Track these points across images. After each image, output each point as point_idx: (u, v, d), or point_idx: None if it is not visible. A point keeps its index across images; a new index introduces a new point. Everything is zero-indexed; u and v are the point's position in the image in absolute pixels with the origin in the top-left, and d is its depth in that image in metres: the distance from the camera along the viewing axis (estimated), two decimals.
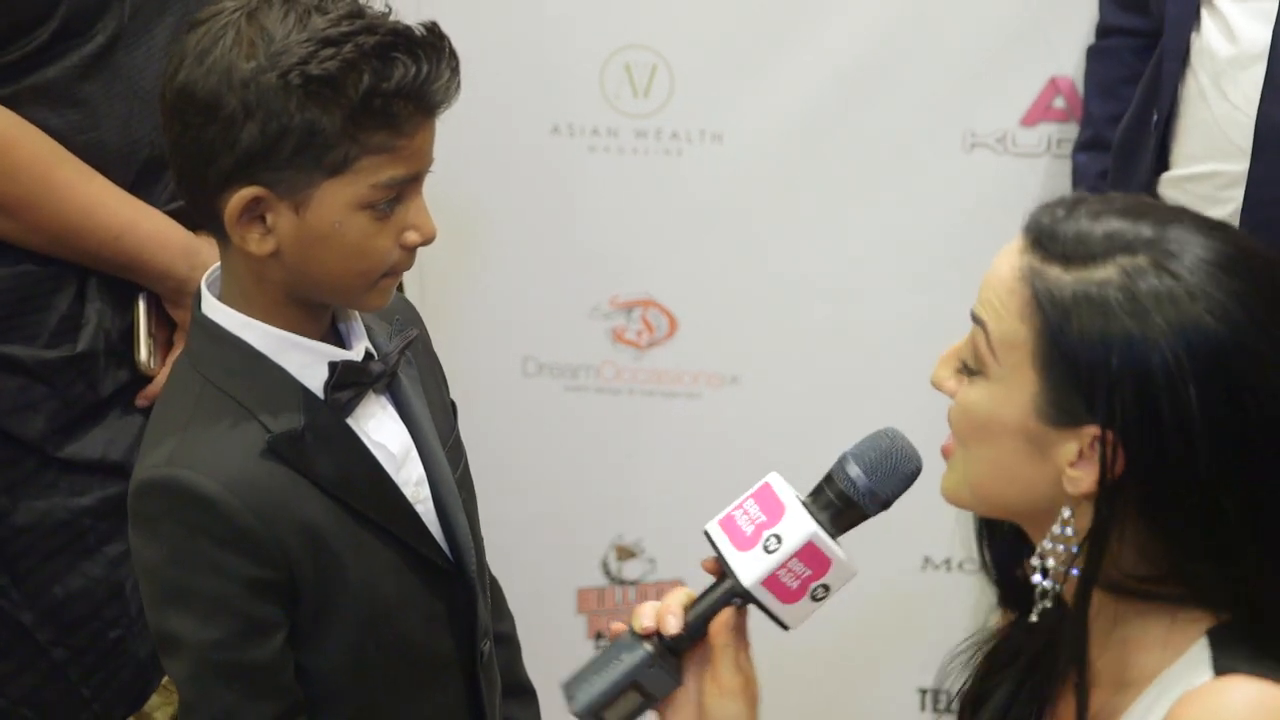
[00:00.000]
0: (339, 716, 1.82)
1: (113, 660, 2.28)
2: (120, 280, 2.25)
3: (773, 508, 1.64)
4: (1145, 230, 1.53)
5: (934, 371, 1.64)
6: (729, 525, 1.65)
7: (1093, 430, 1.51)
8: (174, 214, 2.25)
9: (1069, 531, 1.55)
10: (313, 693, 1.80)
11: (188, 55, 1.72)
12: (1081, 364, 1.51)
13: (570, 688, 1.67)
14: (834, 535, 1.63)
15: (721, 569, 1.65)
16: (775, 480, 1.66)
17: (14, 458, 2.22)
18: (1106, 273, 1.51)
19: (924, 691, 2.98)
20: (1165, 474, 1.50)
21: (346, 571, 1.78)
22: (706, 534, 1.66)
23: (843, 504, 1.64)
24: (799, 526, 1.62)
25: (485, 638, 1.92)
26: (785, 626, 1.64)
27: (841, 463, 1.65)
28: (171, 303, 2.27)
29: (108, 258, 2.22)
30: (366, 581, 1.80)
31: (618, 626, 1.69)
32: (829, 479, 1.65)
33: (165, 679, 2.30)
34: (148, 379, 2.28)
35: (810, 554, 1.62)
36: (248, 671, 1.75)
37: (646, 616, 1.66)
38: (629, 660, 1.66)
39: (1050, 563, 1.57)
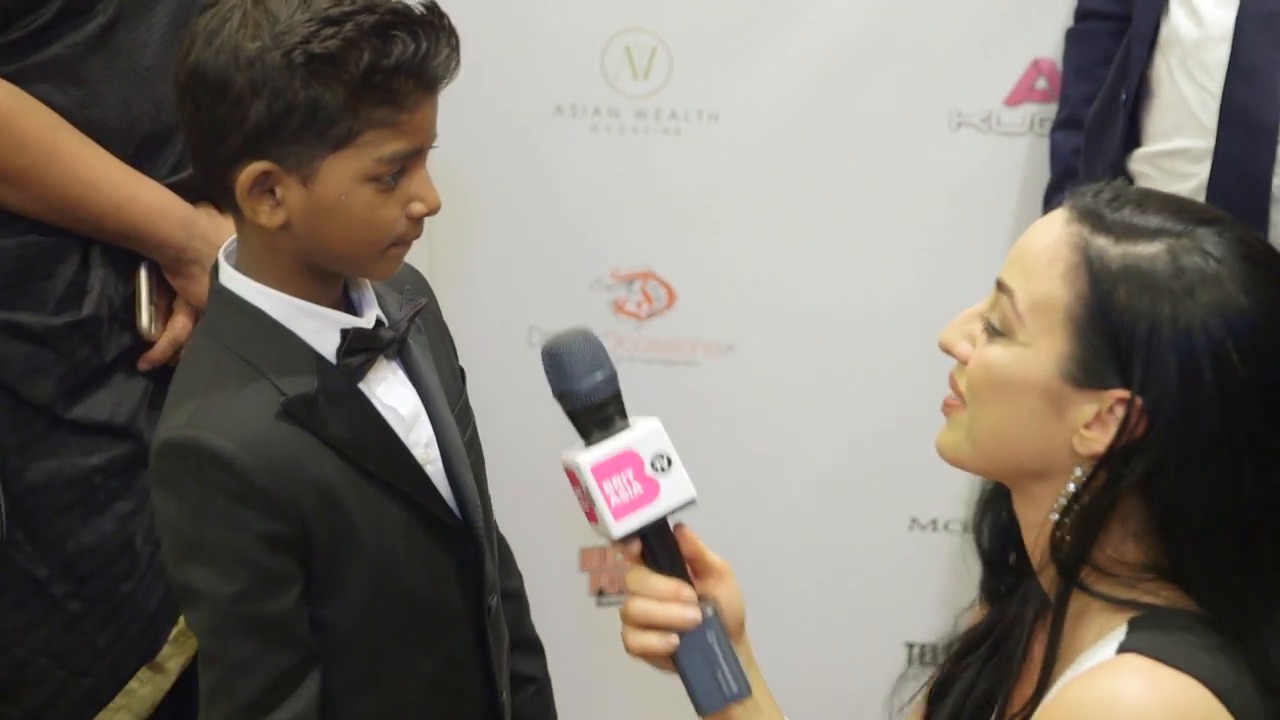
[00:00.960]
0: (352, 667, 1.81)
1: (125, 612, 2.28)
2: (122, 250, 2.26)
3: (619, 463, 1.62)
4: (1186, 223, 1.56)
5: (944, 333, 1.65)
6: (626, 509, 1.63)
7: (1118, 394, 1.53)
8: (175, 186, 2.26)
9: (1079, 490, 1.57)
10: (327, 644, 1.79)
11: (198, 37, 1.73)
12: (1123, 330, 1.53)
13: (711, 696, 1.64)
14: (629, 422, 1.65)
15: (651, 534, 1.64)
16: (575, 459, 1.63)
17: (25, 420, 2.23)
18: (1154, 249, 1.54)
19: (911, 645, 2.98)
20: (1193, 443, 1.52)
21: (358, 528, 1.78)
22: (625, 538, 1.64)
23: (611, 405, 1.64)
24: (652, 437, 1.63)
25: (492, 592, 1.92)
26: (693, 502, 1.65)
27: (569, 394, 1.64)
28: (170, 271, 2.28)
29: (109, 227, 2.23)
30: (377, 538, 1.80)
31: (651, 643, 1.65)
32: (587, 411, 1.64)
33: (176, 630, 2.29)
34: (149, 344, 2.29)
35: (656, 439, 1.63)
36: (264, 623, 1.74)
37: (686, 609, 1.64)
38: (715, 632, 1.65)
39: (1064, 518, 1.59)
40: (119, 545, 2.27)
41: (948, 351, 1.64)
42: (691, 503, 1.65)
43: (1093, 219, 1.56)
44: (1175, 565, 1.55)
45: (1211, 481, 1.53)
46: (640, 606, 1.65)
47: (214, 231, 2.24)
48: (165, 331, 2.29)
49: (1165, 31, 2.51)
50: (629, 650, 1.67)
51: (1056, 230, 1.57)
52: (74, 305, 2.23)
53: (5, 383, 2.21)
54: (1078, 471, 1.57)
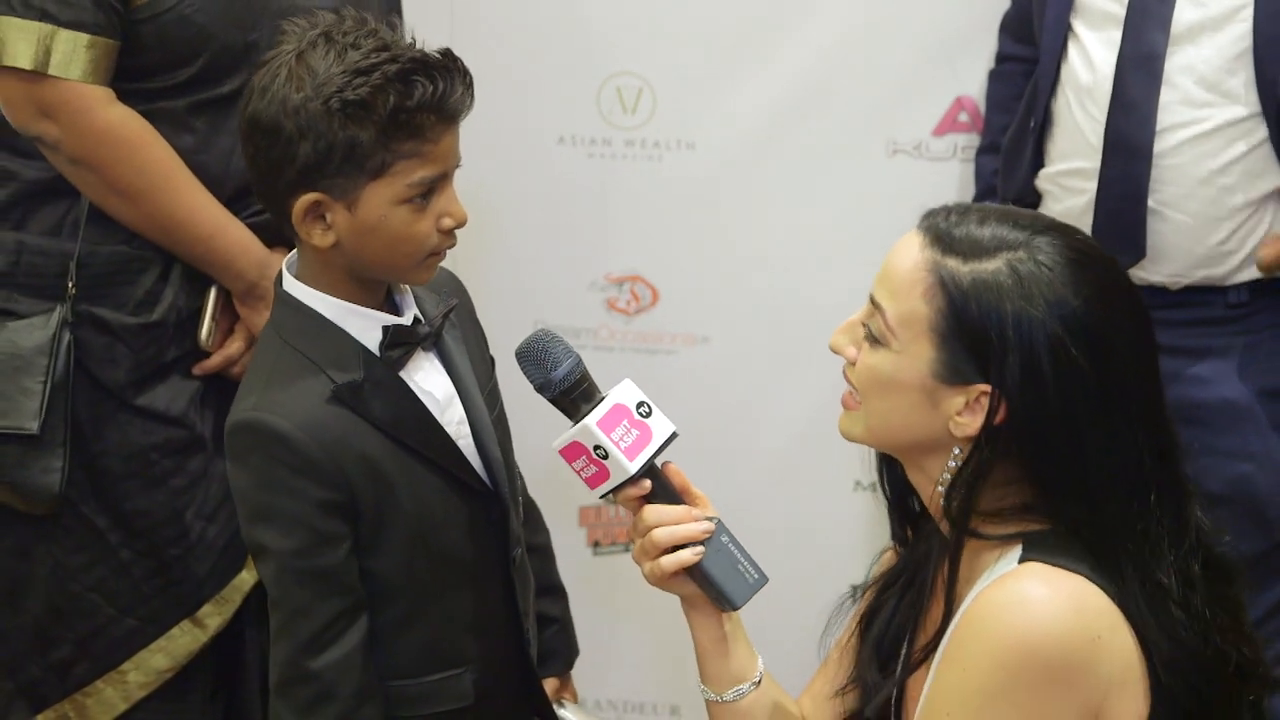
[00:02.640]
0: (398, 609, 1.82)
1: (172, 571, 2.29)
2: (197, 272, 2.26)
3: (615, 416, 1.67)
4: (1020, 234, 1.58)
5: (833, 338, 1.68)
6: (634, 449, 1.66)
7: (981, 387, 1.57)
8: (253, 227, 2.26)
9: (959, 464, 1.61)
10: (375, 591, 1.80)
11: (254, 91, 1.74)
12: (977, 336, 1.55)
13: (740, 589, 1.68)
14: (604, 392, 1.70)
15: (650, 469, 1.68)
16: (582, 426, 1.67)
17: (100, 398, 2.24)
18: (996, 264, 1.56)
19: (854, 587, 2.98)
20: (1045, 420, 1.55)
21: (398, 494, 1.79)
22: (637, 475, 1.67)
23: (586, 380, 1.69)
24: (630, 391, 1.68)
25: (517, 545, 1.92)
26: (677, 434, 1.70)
27: (550, 382, 1.69)
28: (239, 300, 2.28)
29: (199, 253, 2.24)
30: (416, 502, 1.80)
31: (683, 558, 1.69)
32: (568, 391, 1.68)
33: (220, 594, 2.31)
34: (205, 354, 2.29)
35: (633, 392, 1.68)
36: (318, 575, 1.75)
37: (700, 521, 1.68)
38: (727, 535, 1.69)
39: (947, 488, 1.63)
40: (169, 514, 2.27)
41: (837, 353, 1.68)
42: (675, 435, 1.69)
43: (943, 242, 1.59)
44: (1044, 503, 1.59)
45: (1064, 445, 1.56)
46: (663, 533, 1.68)
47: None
48: (221, 350, 2.29)
49: (1065, 72, 2.49)
50: (661, 575, 1.68)
51: (914, 255, 1.60)
52: (147, 310, 2.24)
53: (86, 366, 2.22)
54: (956, 451, 1.61)
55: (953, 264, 1.57)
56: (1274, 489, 2.45)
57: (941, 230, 1.60)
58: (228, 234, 2.23)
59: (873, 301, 1.63)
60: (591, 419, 1.65)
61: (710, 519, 1.68)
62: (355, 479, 1.75)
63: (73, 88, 2.12)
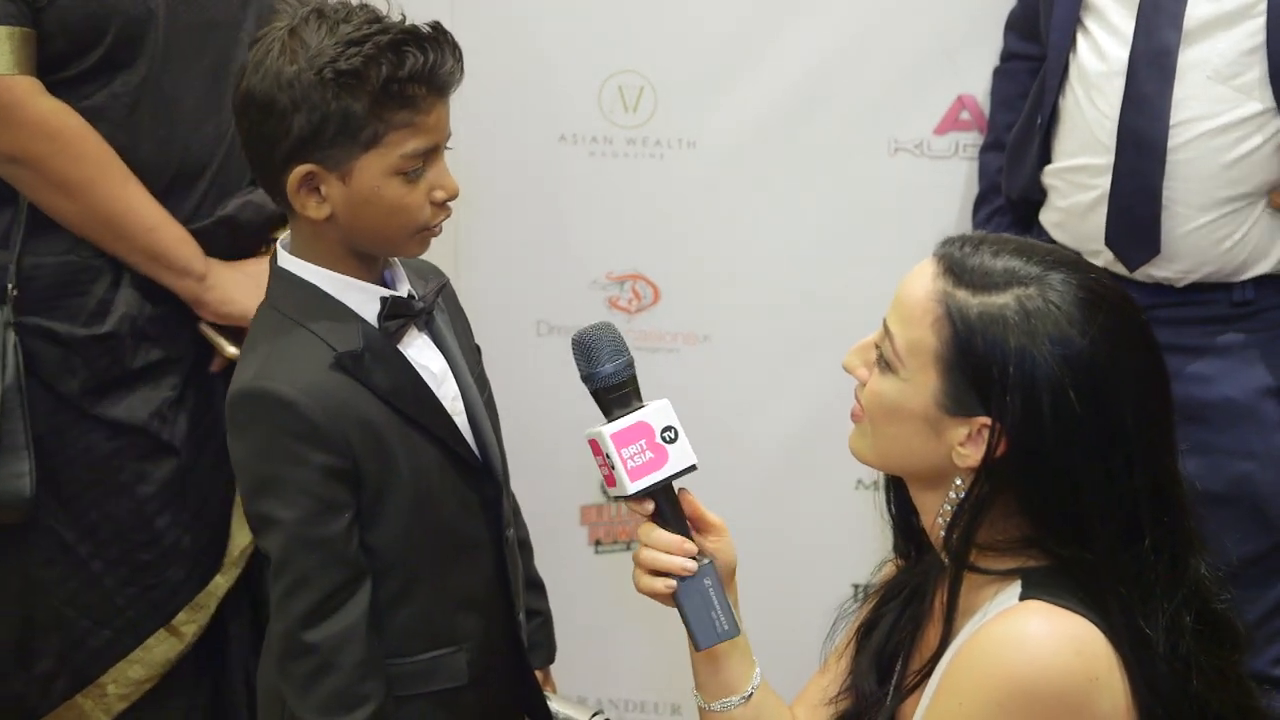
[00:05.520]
0: (393, 584, 1.81)
1: (144, 578, 2.26)
2: (148, 280, 2.22)
3: (635, 433, 1.64)
4: (1034, 268, 1.56)
5: (846, 358, 1.68)
6: (640, 471, 1.64)
7: (982, 420, 1.55)
8: (193, 234, 2.23)
9: (961, 495, 1.60)
10: (374, 564, 1.79)
11: (248, 66, 1.75)
12: (981, 371, 1.54)
13: (707, 634, 1.66)
14: (643, 402, 1.67)
15: (654, 491, 1.65)
16: (598, 430, 1.65)
17: (58, 408, 2.21)
18: (1005, 299, 1.55)
19: (856, 586, 2.92)
20: (1042, 458, 1.54)
21: (399, 463, 1.78)
22: (638, 496, 1.65)
23: (629, 386, 1.67)
24: (662, 413, 1.65)
25: (509, 526, 1.92)
26: (695, 467, 1.67)
27: (594, 376, 1.66)
28: (198, 307, 2.24)
29: (143, 246, 2.20)
30: (414, 473, 1.80)
31: (661, 583, 1.67)
32: (608, 391, 1.66)
33: (194, 600, 2.29)
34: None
35: (665, 414, 1.65)
36: (321, 543, 1.74)
37: (685, 559, 1.66)
38: (711, 580, 1.67)
39: (949, 519, 1.62)
40: (137, 521, 2.25)
41: (850, 373, 1.67)
42: (694, 468, 1.67)
43: (955, 272, 1.58)
44: (1040, 537, 1.58)
45: (1059, 482, 1.55)
46: (648, 555, 1.68)
47: (227, 271, 2.24)
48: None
49: (1073, 68, 2.45)
50: (637, 589, 1.70)
51: (926, 284, 1.59)
52: (99, 321, 2.21)
53: (42, 377, 2.19)
54: (958, 481, 1.60)
55: (962, 296, 1.56)
56: (1276, 488, 2.42)
57: (955, 260, 1.58)
58: (168, 227, 2.20)
59: (885, 326, 1.62)
60: (609, 428, 1.64)
61: (699, 560, 1.67)
62: (358, 445, 1.74)
63: (0, 81, 2.07)
